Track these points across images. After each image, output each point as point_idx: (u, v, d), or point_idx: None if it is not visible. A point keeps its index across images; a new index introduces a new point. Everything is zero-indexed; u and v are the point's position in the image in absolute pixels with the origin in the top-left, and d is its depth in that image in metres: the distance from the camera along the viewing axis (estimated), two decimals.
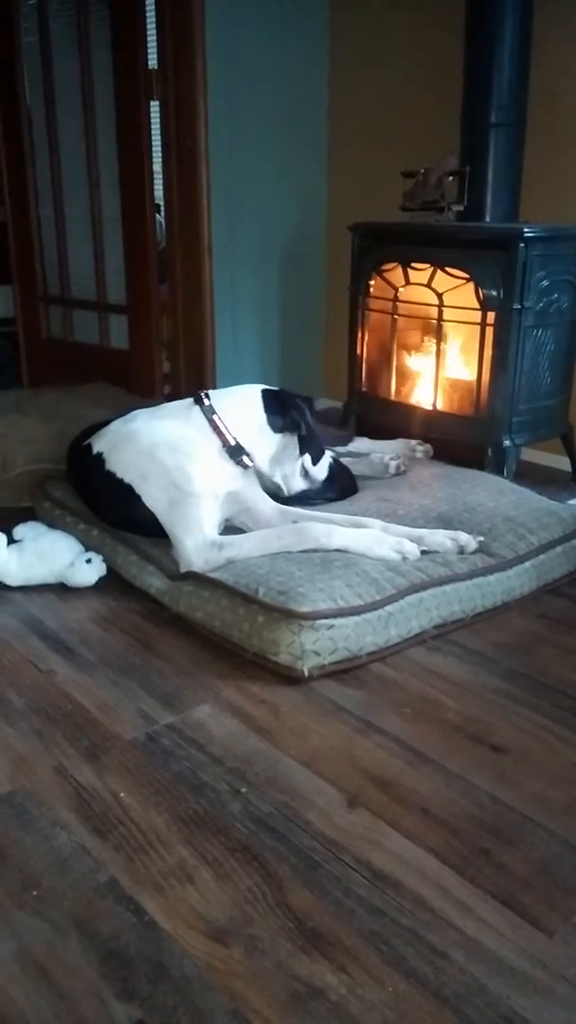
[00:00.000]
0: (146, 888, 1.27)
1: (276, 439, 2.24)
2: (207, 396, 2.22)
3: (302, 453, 2.26)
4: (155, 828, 1.39)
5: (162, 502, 2.12)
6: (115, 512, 2.26)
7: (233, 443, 2.17)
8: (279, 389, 2.32)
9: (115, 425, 2.30)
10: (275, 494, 2.30)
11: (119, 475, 2.19)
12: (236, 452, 2.17)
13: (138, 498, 2.16)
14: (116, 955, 1.16)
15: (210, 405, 2.19)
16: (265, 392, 2.26)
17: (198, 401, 2.22)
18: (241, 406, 2.23)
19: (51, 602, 2.14)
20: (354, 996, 1.10)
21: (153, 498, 2.14)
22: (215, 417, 2.17)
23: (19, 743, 1.60)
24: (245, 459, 2.18)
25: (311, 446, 2.25)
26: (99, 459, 2.25)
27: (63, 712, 1.69)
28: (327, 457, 2.41)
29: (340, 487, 2.43)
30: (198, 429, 2.18)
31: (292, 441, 2.25)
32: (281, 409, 2.23)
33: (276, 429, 2.23)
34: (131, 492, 2.16)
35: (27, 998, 1.10)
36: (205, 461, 2.15)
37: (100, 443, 2.28)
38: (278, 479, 2.29)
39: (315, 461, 2.31)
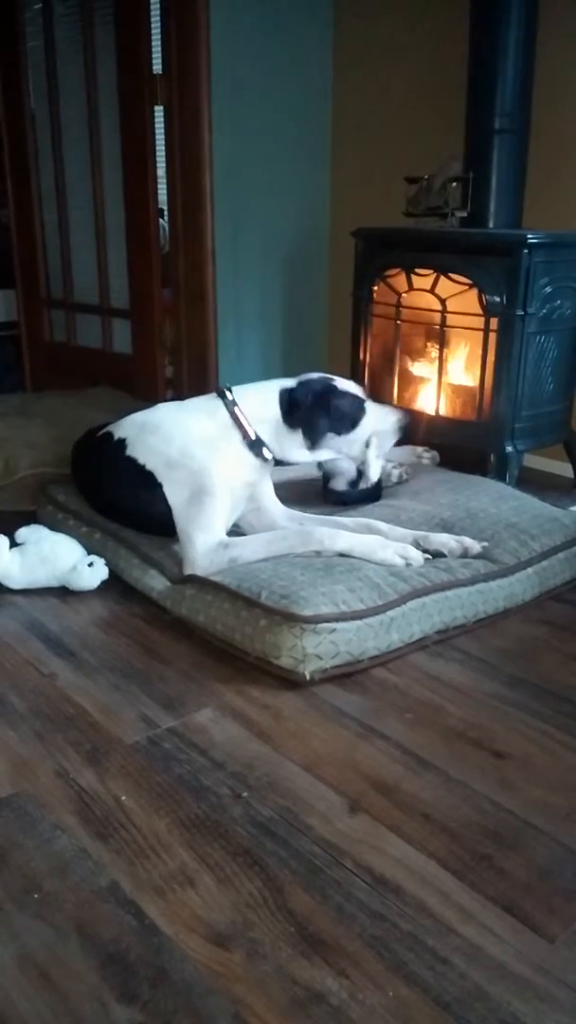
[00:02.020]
0: (147, 892, 1.27)
1: (290, 434, 2.22)
2: (229, 390, 2.25)
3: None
4: (156, 832, 1.39)
5: (183, 496, 2.12)
6: (127, 501, 2.24)
7: (254, 437, 2.19)
8: (297, 386, 2.26)
9: (139, 415, 2.31)
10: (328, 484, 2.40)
11: (141, 461, 2.19)
12: (256, 445, 2.19)
13: (158, 487, 2.15)
14: (117, 959, 1.16)
15: (232, 399, 2.22)
16: (283, 392, 2.24)
17: (221, 395, 2.24)
18: (260, 403, 2.23)
19: (53, 605, 2.14)
20: (355, 1001, 1.10)
21: (174, 489, 2.14)
22: (236, 410, 2.20)
23: (20, 746, 1.60)
24: (265, 452, 2.20)
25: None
26: (120, 445, 2.24)
27: (64, 715, 1.69)
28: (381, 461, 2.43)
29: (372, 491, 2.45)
30: (222, 422, 2.21)
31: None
32: (294, 411, 2.21)
33: (291, 427, 2.22)
34: (152, 480, 2.16)
35: (27, 1001, 1.10)
36: (229, 454, 2.17)
37: (122, 430, 2.28)
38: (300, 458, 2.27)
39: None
